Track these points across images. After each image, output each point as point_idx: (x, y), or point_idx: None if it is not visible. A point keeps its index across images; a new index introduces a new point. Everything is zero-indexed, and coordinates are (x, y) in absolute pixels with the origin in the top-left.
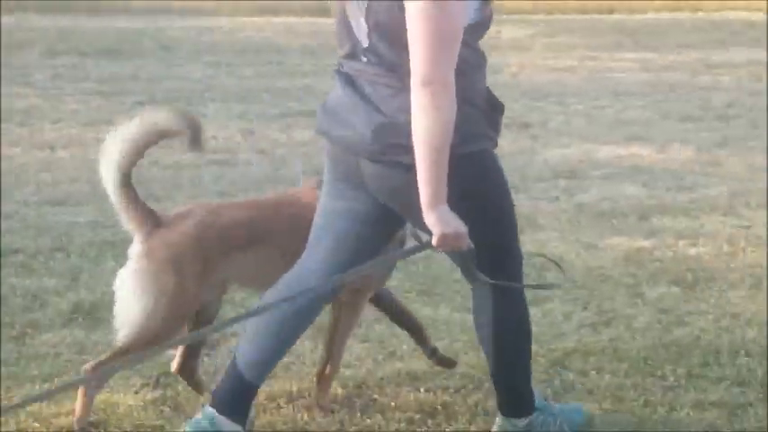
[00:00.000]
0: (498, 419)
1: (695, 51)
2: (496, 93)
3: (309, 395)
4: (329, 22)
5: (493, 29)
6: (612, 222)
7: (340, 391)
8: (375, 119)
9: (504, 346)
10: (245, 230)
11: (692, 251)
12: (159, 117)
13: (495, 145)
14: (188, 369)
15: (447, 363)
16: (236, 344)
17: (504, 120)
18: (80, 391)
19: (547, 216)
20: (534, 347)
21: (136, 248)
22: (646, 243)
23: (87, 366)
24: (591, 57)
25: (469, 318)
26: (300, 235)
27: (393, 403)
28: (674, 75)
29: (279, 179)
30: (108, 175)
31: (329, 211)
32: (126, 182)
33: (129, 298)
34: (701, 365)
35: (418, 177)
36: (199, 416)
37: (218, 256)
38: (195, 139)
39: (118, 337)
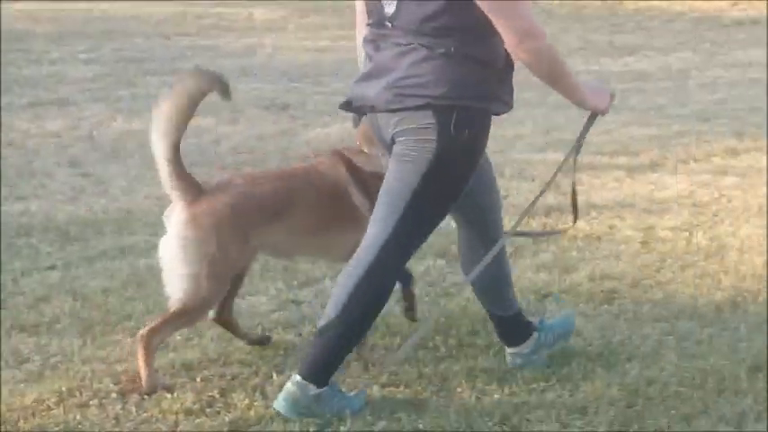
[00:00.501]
0: (508, 351)
1: None
2: (254, 74)
3: (81, 394)
4: (71, 7)
5: (244, 11)
6: None
7: (112, 386)
8: (389, 75)
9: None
10: (279, 200)
11: (453, 224)
12: (194, 81)
13: (510, 108)
14: (224, 315)
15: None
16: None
17: (264, 101)
18: (140, 355)
19: None
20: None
21: (180, 216)
22: None
23: (143, 332)
24: (343, 36)
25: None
26: (320, 205)
27: (169, 395)
28: None
29: (33, 172)
30: (158, 144)
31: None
32: (175, 152)
33: (178, 265)
34: (470, 334)
35: (564, 93)
36: (288, 387)
37: (255, 224)
38: (225, 92)
39: (170, 302)
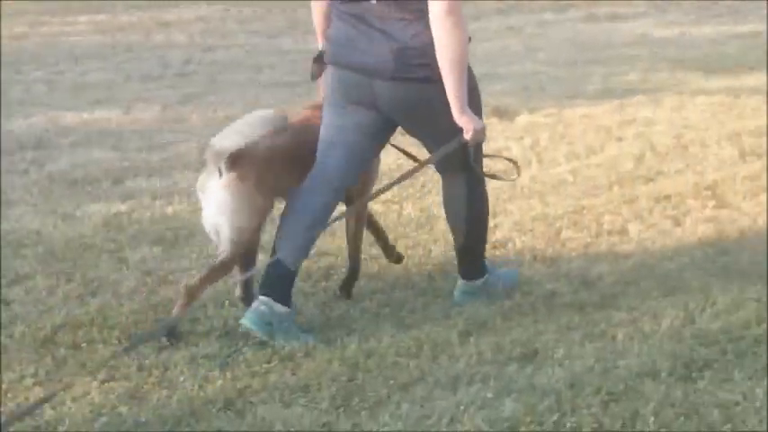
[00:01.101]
0: (461, 284)
1: (147, 11)
2: None
3: None
4: None
5: None
6: (87, 189)
7: None
8: (393, 45)
9: (475, 224)
10: (291, 152)
11: (170, 209)
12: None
13: None
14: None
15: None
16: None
17: None
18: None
19: (18, 190)
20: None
21: (225, 179)
22: (123, 207)
23: (191, 282)
24: (41, 22)
25: None
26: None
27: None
28: (129, 35)
29: None
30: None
31: (338, 126)
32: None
33: (228, 217)
34: (192, 322)
35: (447, 90)
36: (255, 304)
37: (279, 175)
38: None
39: (218, 251)
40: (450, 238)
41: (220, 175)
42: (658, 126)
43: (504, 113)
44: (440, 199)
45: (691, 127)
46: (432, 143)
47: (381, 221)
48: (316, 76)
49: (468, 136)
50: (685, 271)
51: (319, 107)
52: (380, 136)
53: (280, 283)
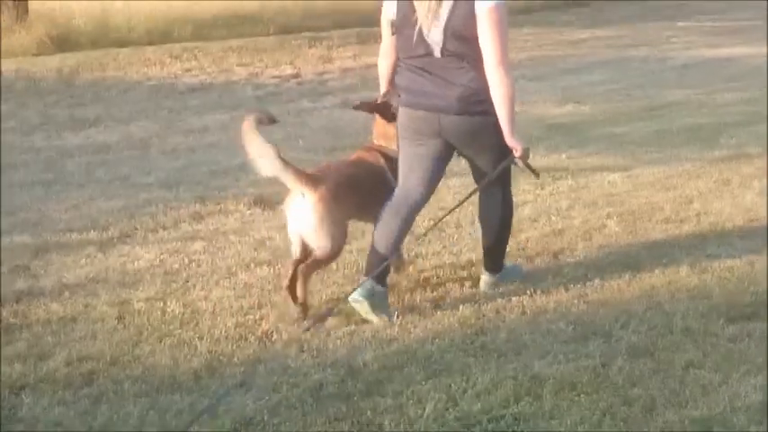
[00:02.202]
0: (487, 278)
1: None
2: None
3: None
4: None
5: None
6: None
7: None
8: (456, 89)
9: (504, 226)
10: (356, 180)
11: None
12: (257, 116)
13: None
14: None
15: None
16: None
17: None
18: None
19: None
20: None
21: (311, 199)
22: None
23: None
24: None
25: None
26: (371, 178)
27: None
28: None
29: None
30: (267, 165)
31: (414, 154)
32: (283, 160)
33: (319, 232)
34: None
35: (501, 120)
36: (362, 288)
37: (350, 198)
38: (272, 119)
39: (317, 254)
40: (216, 332)
41: (303, 196)
42: None
43: (266, 203)
44: (204, 293)
45: (446, 209)
46: (481, 163)
47: (143, 320)
48: (361, 109)
49: (517, 155)
50: (447, 352)
51: (367, 150)
52: (446, 160)
53: (378, 266)
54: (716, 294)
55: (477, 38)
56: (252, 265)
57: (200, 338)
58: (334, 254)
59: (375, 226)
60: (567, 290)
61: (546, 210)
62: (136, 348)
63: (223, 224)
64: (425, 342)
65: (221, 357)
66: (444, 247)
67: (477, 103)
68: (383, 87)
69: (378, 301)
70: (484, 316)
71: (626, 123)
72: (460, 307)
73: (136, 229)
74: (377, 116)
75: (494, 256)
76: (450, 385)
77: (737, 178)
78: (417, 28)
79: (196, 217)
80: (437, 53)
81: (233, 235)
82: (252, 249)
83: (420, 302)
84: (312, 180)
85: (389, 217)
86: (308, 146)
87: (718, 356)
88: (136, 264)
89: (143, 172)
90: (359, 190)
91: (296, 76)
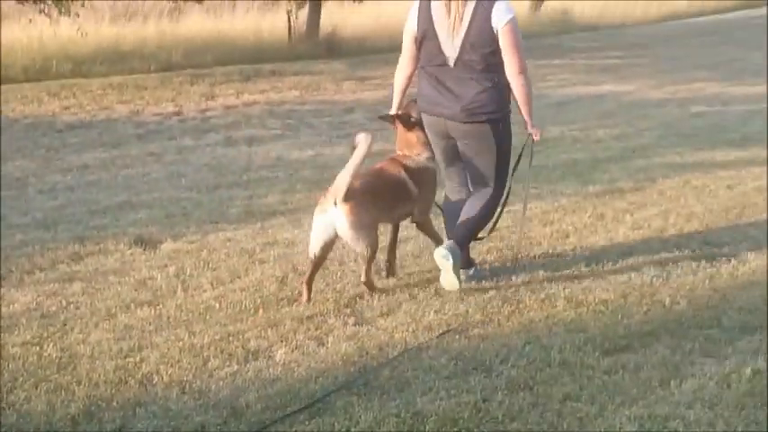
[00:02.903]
0: (463, 272)
1: None
2: None
3: None
4: None
5: None
6: None
7: None
8: (462, 103)
9: (480, 223)
10: (380, 189)
11: None
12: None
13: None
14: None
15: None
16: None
17: None
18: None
19: None
20: None
21: (342, 209)
22: None
23: (364, 278)
24: None
25: None
26: (392, 187)
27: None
28: None
29: None
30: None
31: (442, 149)
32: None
33: (353, 236)
34: None
35: (524, 114)
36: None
37: (374, 203)
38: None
39: (360, 252)
40: (95, 376)
41: (335, 205)
42: (299, 247)
43: (147, 242)
44: (82, 336)
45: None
46: (480, 163)
47: (19, 365)
48: (387, 120)
49: (536, 138)
50: (330, 392)
51: (390, 161)
52: (458, 155)
53: (456, 236)
54: (591, 327)
55: (489, 51)
56: (132, 306)
57: (78, 383)
58: (376, 251)
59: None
60: (448, 325)
61: (429, 245)
62: (10, 395)
63: (103, 264)
64: (309, 381)
65: (100, 402)
66: (327, 284)
67: (481, 113)
68: (397, 99)
69: (456, 258)
70: (367, 353)
71: None
72: (344, 345)
73: (11, 271)
74: (398, 126)
75: (467, 250)
76: (334, 424)
77: (611, 213)
78: (437, 40)
79: (75, 257)
80: (451, 63)
81: (113, 275)
82: (132, 290)
83: (304, 341)
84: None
85: (450, 202)
86: (190, 183)
87: (594, 388)
88: (11, 307)
89: (19, 212)
90: (380, 198)
91: (178, 113)
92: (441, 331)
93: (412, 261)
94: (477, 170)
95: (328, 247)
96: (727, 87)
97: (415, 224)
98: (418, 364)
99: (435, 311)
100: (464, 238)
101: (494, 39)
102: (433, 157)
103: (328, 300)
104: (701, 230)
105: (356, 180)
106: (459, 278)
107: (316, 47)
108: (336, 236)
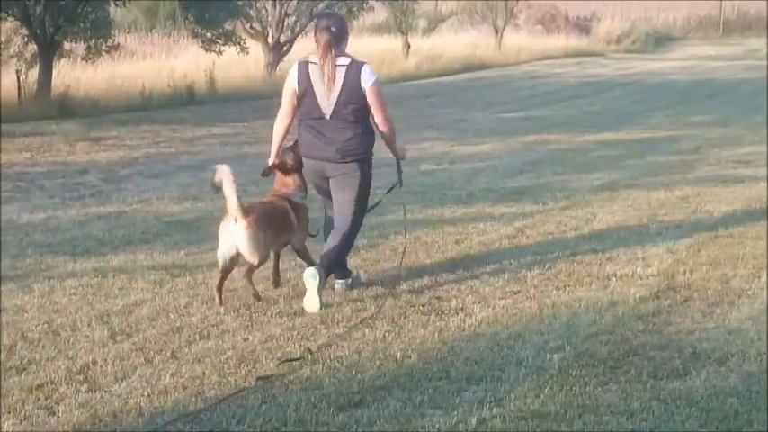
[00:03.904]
0: (341, 283)
1: None
2: None
3: None
4: None
5: None
6: None
7: None
8: (336, 147)
9: (343, 249)
10: (272, 216)
11: None
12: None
13: None
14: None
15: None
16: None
17: None
18: (247, 279)
19: None
20: None
21: (242, 224)
22: None
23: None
24: None
25: None
26: (280, 216)
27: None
28: None
29: None
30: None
31: (319, 188)
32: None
33: (249, 247)
34: None
35: (392, 151)
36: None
37: (268, 226)
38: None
39: (251, 261)
40: None
41: (236, 222)
42: (28, 313)
43: None
44: None
45: (61, 311)
46: (346, 195)
47: None
48: (267, 173)
49: (403, 156)
50: None
51: (277, 196)
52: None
53: (323, 261)
54: (327, 384)
55: (358, 106)
56: None
57: None
58: (261, 263)
59: (326, 241)
60: (185, 388)
61: (165, 308)
62: None
63: None
64: None
65: None
66: (59, 351)
67: (350, 156)
68: (275, 146)
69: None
70: (100, 421)
71: None
72: (76, 413)
73: None
74: (277, 172)
75: (344, 264)
76: None
77: None
78: (314, 97)
79: None
80: (327, 116)
81: None
82: None
83: (33, 411)
84: (243, 208)
85: (331, 235)
86: None
87: None
88: None
89: None
90: (272, 223)
91: None
92: (176, 394)
93: (148, 324)
94: (343, 204)
95: (234, 259)
96: (454, 146)
97: (295, 252)
98: (153, 429)
99: (171, 374)
100: (330, 262)
101: (362, 96)
102: (305, 196)
103: (60, 367)
104: (431, 285)
105: (250, 207)
106: (320, 300)
107: (47, 107)
108: (237, 249)
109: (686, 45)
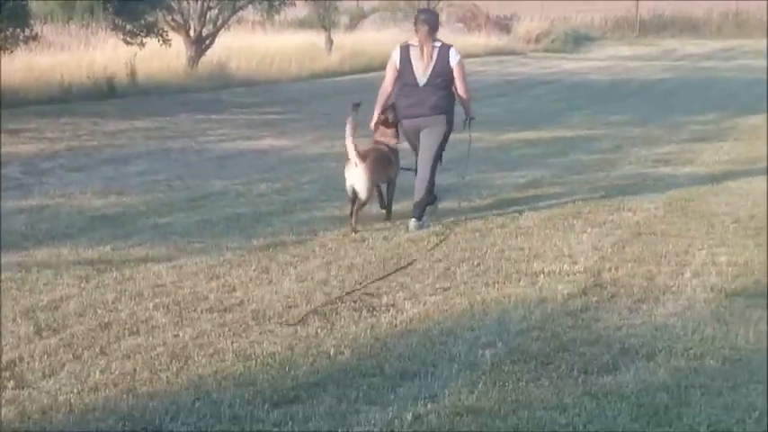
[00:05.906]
0: (414, 222)
1: None
2: None
3: None
4: None
5: None
6: None
7: None
8: (428, 105)
9: (430, 188)
10: (378, 158)
11: None
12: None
13: None
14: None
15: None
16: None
17: None
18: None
19: None
20: None
21: (360, 167)
22: None
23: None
24: None
25: None
26: (386, 157)
27: None
28: None
29: None
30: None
31: (415, 147)
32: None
33: (363, 185)
34: None
35: (466, 109)
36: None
37: (377, 167)
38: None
39: (361, 197)
40: None
41: (356, 165)
42: None
43: None
44: None
45: None
46: (431, 140)
47: None
48: (377, 125)
49: (474, 116)
50: None
51: (379, 142)
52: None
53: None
54: (260, 380)
55: (445, 77)
56: None
57: None
58: (370, 200)
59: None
60: (115, 385)
61: (92, 303)
62: None
63: None
64: None
65: None
66: None
67: (440, 109)
68: (379, 107)
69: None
70: (29, 418)
71: (168, 214)
72: (3, 411)
73: None
74: (379, 125)
75: (420, 206)
76: None
77: (276, 266)
78: (412, 71)
79: None
80: (422, 84)
81: None
82: None
83: None
84: (361, 156)
85: (417, 185)
86: None
87: None
88: None
89: None
90: (380, 165)
91: None
92: (107, 391)
93: (75, 319)
94: (428, 149)
95: (355, 192)
96: None
97: (388, 185)
98: (84, 426)
99: (101, 371)
100: (420, 211)
101: (449, 70)
102: (398, 143)
103: None
104: (362, 281)
105: (365, 153)
106: (421, 228)
107: None
108: (354, 187)
109: (604, 45)
